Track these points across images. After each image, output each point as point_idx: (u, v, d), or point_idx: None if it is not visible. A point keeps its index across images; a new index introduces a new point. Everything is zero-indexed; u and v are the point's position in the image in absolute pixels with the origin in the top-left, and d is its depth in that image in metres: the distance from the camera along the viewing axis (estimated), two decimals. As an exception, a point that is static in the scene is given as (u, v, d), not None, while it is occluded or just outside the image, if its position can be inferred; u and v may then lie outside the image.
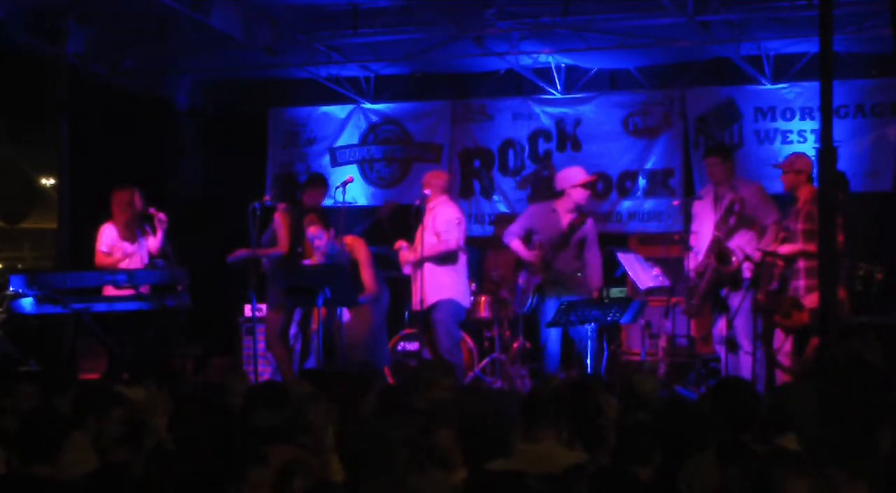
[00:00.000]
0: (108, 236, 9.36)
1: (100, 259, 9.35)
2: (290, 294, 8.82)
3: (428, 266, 8.89)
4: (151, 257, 9.43)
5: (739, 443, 4.47)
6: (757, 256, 8.34)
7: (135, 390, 5.76)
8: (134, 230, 9.41)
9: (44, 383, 6.01)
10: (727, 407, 4.85)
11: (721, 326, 8.60)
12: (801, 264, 8.24)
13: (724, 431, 4.72)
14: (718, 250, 8.58)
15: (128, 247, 9.33)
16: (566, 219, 8.94)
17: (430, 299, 8.86)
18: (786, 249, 8.29)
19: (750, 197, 8.61)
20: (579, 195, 9.03)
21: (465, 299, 9.12)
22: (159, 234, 9.42)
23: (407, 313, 10.08)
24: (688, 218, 10.42)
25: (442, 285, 8.94)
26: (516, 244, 9.07)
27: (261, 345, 9.81)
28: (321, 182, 9.81)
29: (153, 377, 6.36)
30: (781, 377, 8.17)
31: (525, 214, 9.48)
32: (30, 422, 4.59)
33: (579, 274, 8.94)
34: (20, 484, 4.09)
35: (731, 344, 8.49)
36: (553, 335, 8.72)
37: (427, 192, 8.98)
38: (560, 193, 9.18)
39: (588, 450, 4.64)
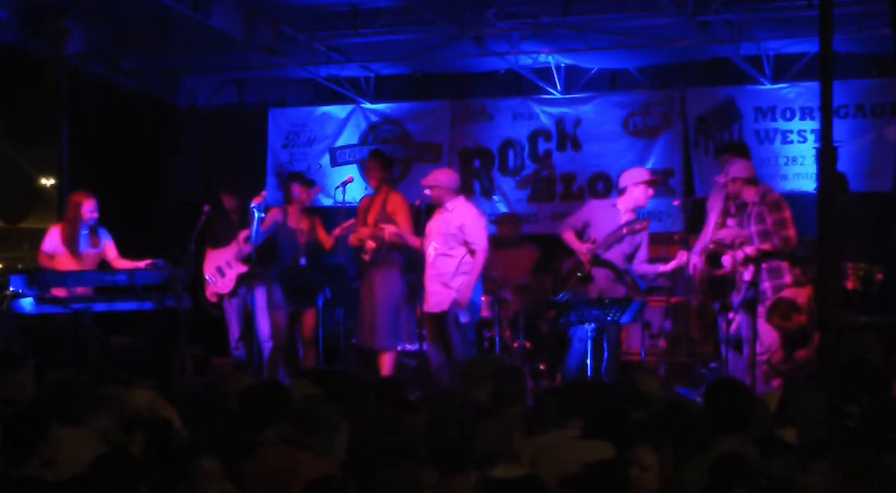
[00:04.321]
0: (50, 238, 9.34)
1: (40, 259, 9.33)
2: (289, 294, 8.81)
3: (446, 272, 8.79)
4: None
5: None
6: (740, 255, 8.31)
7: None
8: (75, 239, 9.26)
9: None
10: (722, 407, 4.85)
11: (723, 325, 8.58)
12: (763, 265, 8.23)
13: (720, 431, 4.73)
14: (710, 253, 8.56)
15: (64, 252, 9.25)
16: (625, 217, 8.93)
17: (441, 306, 8.80)
18: (750, 249, 8.28)
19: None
20: (641, 193, 8.97)
21: (479, 300, 9.10)
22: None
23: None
24: (688, 218, 10.45)
25: (452, 295, 8.86)
26: (569, 236, 9.02)
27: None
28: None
29: (154, 377, 6.36)
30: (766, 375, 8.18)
31: (585, 208, 9.39)
32: (15, 420, 4.56)
33: (626, 277, 8.92)
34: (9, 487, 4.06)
35: (737, 343, 8.49)
36: (581, 332, 8.66)
37: (427, 192, 8.93)
38: (622, 191, 9.14)
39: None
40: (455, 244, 8.79)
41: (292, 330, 9.43)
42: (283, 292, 8.90)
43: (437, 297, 8.76)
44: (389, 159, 9.48)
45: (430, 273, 8.79)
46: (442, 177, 9.06)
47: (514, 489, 3.80)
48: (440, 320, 8.80)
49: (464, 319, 8.72)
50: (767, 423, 4.99)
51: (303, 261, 9.23)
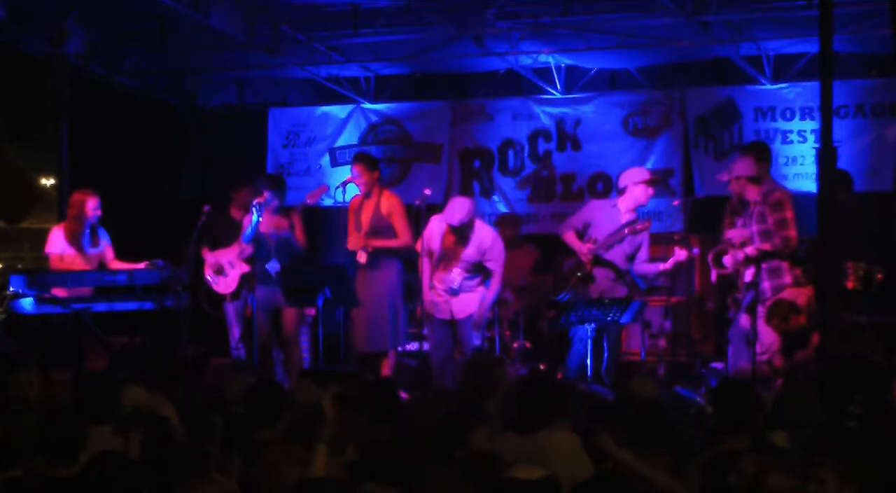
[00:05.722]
0: (55, 239, 9.26)
1: (51, 261, 9.26)
2: (289, 294, 8.80)
3: (472, 284, 8.84)
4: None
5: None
6: (740, 255, 8.31)
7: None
8: (79, 238, 9.21)
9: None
10: (728, 408, 4.85)
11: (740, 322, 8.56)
12: (763, 265, 8.22)
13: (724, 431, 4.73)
14: (716, 252, 8.57)
15: (72, 251, 9.18)
16: (626, 217, 8.94)
17: (466, 311, 8.85)
18: (750, 249, 8.27)
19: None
20: (641, 193, 8.96)
21: None
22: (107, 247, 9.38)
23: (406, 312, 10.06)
24: (688, 218, 10.45)
25: (475, 300, 8.90)
26: (570, 236, 9.04)
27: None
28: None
29: (154, 377, 6.36)
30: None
31: (586, 208, 9.40)
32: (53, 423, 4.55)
33: (626, 278, 8.94)
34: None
35: (740, 342, 8.49)
36: (581, 332, 8.67)
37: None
38: (622, 191, 9.16)
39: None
40: (479, 266, 8.83)
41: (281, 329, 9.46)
42: (283, 292, 8.90)
43: (460, 303, 8.80)
44: (374, 160, 9.46)
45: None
46: (470, 206, 8.82)
47: (530, 490, 3.79)
48: (454, 324, 8.82)
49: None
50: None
51: (272, 264, 9.21)
